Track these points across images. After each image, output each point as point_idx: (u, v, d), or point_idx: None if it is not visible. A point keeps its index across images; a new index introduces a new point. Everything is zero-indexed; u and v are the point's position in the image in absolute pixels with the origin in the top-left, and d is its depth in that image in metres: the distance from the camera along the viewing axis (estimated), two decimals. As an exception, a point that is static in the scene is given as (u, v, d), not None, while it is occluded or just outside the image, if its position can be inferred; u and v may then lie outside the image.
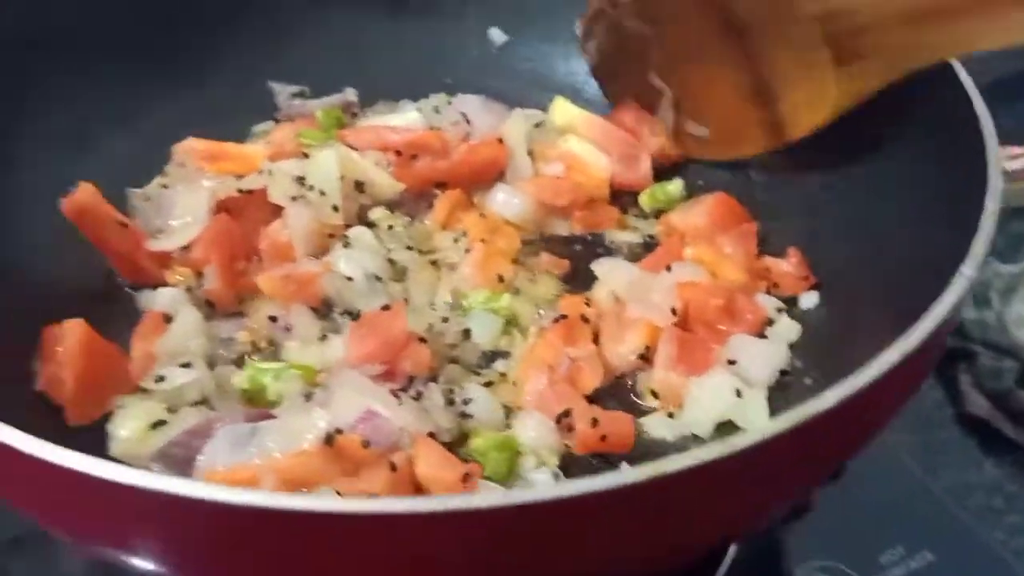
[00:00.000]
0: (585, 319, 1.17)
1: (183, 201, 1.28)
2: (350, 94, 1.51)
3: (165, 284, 1.21)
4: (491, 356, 1.16)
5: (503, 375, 1.13)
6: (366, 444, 0.98)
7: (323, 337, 1.15)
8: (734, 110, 1.29)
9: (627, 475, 0.62)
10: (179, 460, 1.00)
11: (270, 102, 1.50)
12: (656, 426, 1.10)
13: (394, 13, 1.55)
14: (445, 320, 1.16)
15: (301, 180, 1.26)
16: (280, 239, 1.24)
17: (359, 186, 1.30)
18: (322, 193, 1.25)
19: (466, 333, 1.15)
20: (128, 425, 1.04)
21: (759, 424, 1.08)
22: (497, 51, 1.58)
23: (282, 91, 1.50)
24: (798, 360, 1.16)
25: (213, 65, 1.45)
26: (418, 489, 0.99)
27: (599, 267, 1.24)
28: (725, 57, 1.26)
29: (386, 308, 1.09)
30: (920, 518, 1.16)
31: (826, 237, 1.25)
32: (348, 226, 1.27)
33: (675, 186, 1.39)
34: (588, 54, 1.48)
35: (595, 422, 1.04)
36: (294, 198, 1.25)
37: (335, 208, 1.25)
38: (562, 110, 1.43)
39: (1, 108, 1.21)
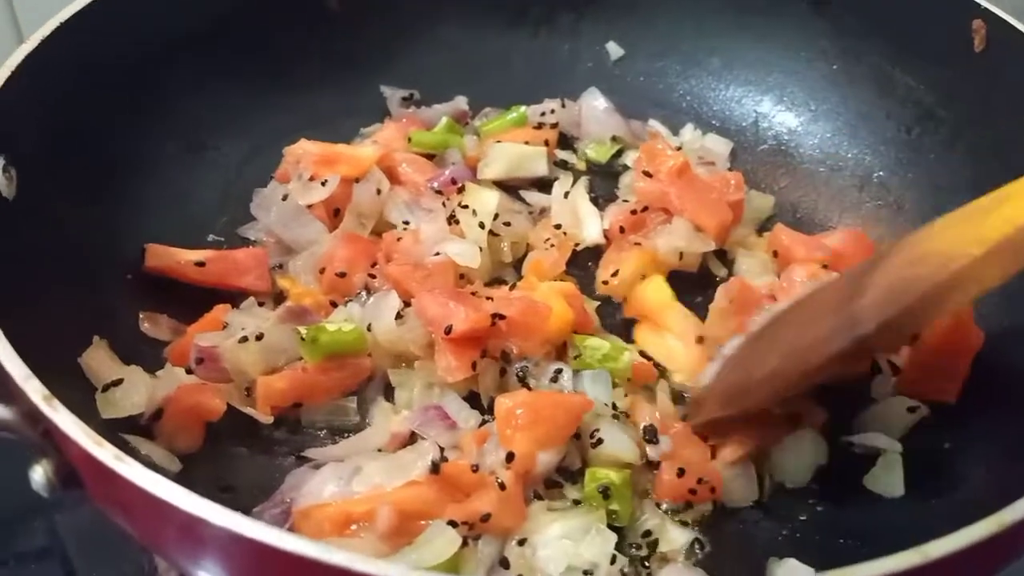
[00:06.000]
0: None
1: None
2: (461, 102, 1.49)
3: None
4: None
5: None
6: (475, 468, 0.98)
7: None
8: None
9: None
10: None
11: (380, 107, 1.48)
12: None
13: (508, 25, 1.52)
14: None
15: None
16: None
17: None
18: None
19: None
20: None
21: (893, 491, 1.04)
22: (612, 65, 1.54)
23: (392, 95, 1.48)
24: (935, 421, 1.10)
25: (324, 70, 1.44)
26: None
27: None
28: None
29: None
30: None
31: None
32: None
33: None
34: None
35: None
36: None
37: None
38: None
39: (119, 111, 1.20)
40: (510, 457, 0.98)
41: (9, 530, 1.15)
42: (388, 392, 1.12)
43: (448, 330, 1.06)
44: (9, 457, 0.81)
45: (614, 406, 1.08)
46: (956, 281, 0.87)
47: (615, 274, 1.22)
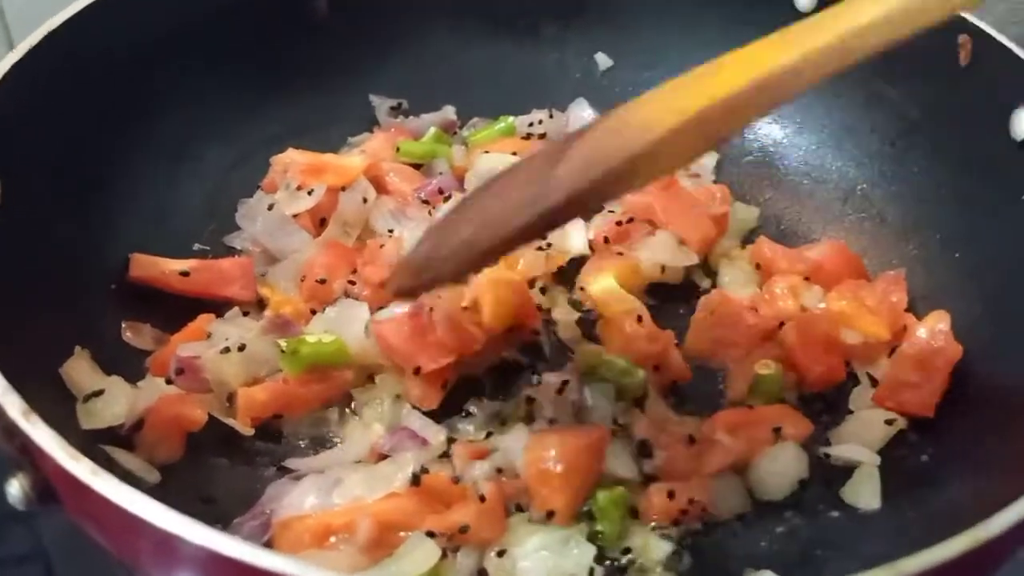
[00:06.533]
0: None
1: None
2: (449, 112, 1.49)
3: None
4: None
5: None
6: (456, 480, 0.99)
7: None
8: None
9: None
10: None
11: (368, 116, 1.48)
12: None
13: (496, 35, 1.52)
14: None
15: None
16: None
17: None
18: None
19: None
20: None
21: (870, 504, 1.04)
22: (600, 75, 1.54)
23: (381, 104, 1.48)
24: (913, 433, 1.11)
25: (311, 78, 1.44)
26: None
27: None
28: None
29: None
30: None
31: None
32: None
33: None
34: None
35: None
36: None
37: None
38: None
39: (105, 120, 1.20)
40: (551, 515, 0.98)
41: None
42: (367, 402, 1.13)
43: (417, 371, 1.07)
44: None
45: (615, 420, 1.08)
46: (647, 154, 0.80)
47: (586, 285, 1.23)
